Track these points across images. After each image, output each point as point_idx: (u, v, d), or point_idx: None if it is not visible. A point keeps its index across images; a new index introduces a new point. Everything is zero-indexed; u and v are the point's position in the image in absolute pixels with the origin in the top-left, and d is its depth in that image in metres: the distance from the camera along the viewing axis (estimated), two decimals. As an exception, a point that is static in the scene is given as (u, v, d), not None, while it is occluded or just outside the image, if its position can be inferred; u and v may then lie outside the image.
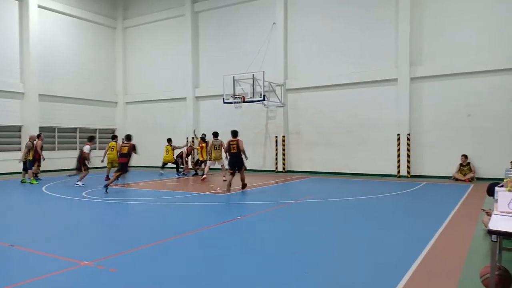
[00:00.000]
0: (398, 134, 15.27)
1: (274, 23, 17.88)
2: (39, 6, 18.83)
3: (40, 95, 18.80)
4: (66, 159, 20.24)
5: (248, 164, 18.53)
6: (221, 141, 14.30)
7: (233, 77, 16.38)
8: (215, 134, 14.68)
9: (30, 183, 13.99)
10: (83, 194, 11.09)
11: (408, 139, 15.08)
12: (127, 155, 11.80)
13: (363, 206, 9.09)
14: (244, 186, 11.54)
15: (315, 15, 17.11)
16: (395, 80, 15.33)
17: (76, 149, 20.85)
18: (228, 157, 11.82)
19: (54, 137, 19.99)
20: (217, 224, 7.11)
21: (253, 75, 15.90)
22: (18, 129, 18.47)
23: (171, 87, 21.26)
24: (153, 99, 21.94)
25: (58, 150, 20.11)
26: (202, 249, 5.50)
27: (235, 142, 11.46)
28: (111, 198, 10.40)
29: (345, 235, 6.30)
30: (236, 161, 11.41)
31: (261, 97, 15.98)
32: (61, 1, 19.99)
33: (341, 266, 4.77)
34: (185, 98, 20.63)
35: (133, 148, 11.85)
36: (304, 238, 6.14)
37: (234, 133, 11.73)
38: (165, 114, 21.52)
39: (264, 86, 15.98)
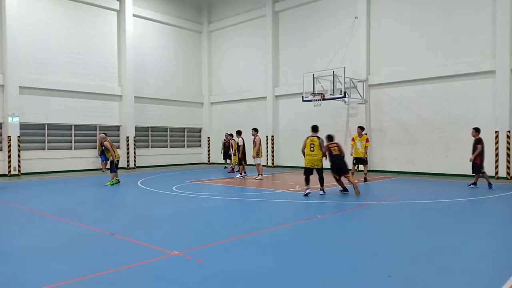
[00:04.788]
0: (496, 132, 13.89)
1: (356, 18, 17.37)
2: (134, 15, 20.61)
3: (135, 97, 20.60)
4: (158, 156, 22.00)
5: (328, 163, 18.42)
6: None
7: (313, 74, 16.28)
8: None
9: None
10: (173, 188, 11.94)
11: (508, 136, 13.65)
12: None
13: (452, 209, 8.47)
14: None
15: (400, 5, 16.26)
16: (492, 72, 13.96)
17: (167, 147, 22.53)
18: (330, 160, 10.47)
19: (148, 135, 21.77)
20: (296, 221, 7.18)
21: (333, 71, 15.64)
22: (117, 128, 20.45)
23: (252, 87, 21.80)
24: (235, 99, 22.71)
25: (151, 147, 21.87)
26: (283, 246, 5.61)
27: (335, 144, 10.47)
28: (196, 192, 11.05)
29: (431, 239, 5.94)
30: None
31: (341, 94, 15.66)
32: (152, 9, 21.66)
33: (427, 271, 4.52)
34: (265, 97, 21.01)
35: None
36: (386, 241, 5.93)
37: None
38: (246, 114, 22.14)
39: (344, 83, 15.64)
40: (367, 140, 13.49)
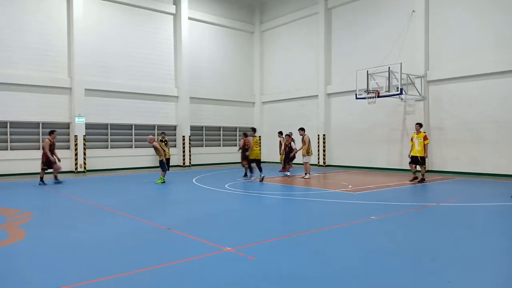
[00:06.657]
0: None
1: (413, 11, 16.63)
2: (189, 18, 21.29)
3: (190, 98, 21.29)
4: (212, 154, 22.58)
5: (383, 162, 17.87)
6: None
7: (367, 71, 15.83)
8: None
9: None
10: (226, 186, 12.20)
11: None
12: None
13: (522, 213, 7.85)
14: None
15: (463, -3, 15.31)
16: None
17: (220, 146, 23.06)
18: None
19: (202, 135, 22.41)
20: (349, 222, 7.04)
21: (389, 68, 15.10)
22: (174, 128, 21.25)
23: (303, 85, 21.66)
24: (286, 98, 22.69)
25: (205, 146, 22.50)
26: (335, 247, 5.52)
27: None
28: (247, 190, 11.20)
29: (495, 245, 5.55)
30: None
31: (397, 90, 15.07)
32: (206, 11, 22.24)
33: (490, 278, 4.25)
34: (317, 95, 20.78)
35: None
36: (445, 245, 5.62)
37: None
38: (297, 112, 22.03)
39: (401, 79, 15.04)
40: (425, 138, 12.84)
